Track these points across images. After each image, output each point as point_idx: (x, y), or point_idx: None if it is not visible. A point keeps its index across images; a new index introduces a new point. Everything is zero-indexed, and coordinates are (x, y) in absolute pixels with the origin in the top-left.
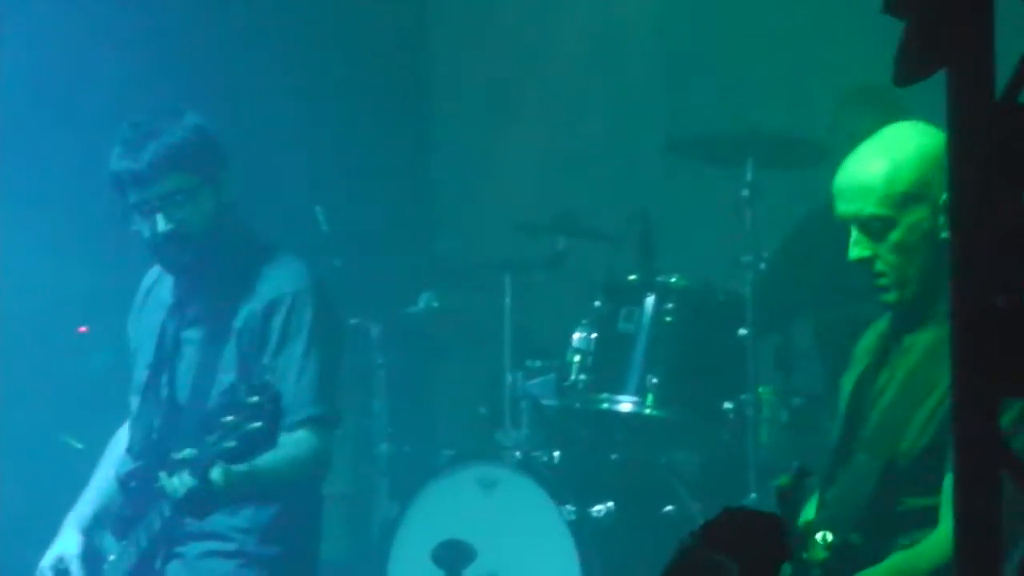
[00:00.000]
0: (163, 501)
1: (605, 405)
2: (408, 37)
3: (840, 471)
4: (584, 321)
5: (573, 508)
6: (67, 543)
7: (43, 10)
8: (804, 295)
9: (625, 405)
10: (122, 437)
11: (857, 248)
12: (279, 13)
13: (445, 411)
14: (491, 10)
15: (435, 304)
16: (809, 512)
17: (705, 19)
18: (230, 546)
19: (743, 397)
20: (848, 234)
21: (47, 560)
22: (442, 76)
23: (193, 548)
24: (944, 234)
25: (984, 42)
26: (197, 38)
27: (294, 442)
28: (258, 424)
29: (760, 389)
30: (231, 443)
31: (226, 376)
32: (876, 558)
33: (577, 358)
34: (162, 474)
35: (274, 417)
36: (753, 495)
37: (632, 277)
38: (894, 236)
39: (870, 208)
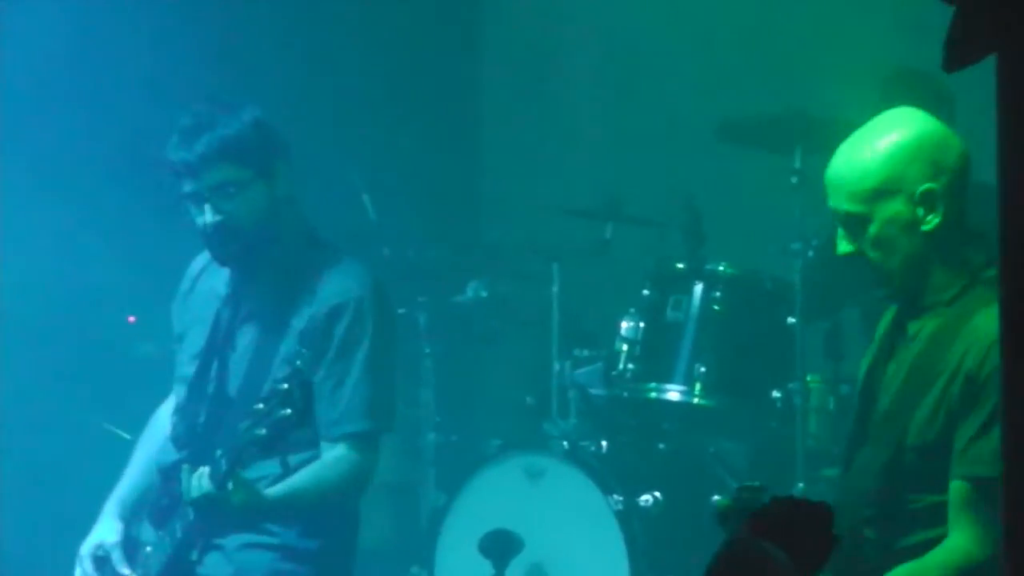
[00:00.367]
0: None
1: (653, 394)
2: (457, 25)
3: (855, 462)
4: (632, 309)
5: (620, 498)
6: (106, 530)
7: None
8: (853, 282)
9: (673, 394)
10: (160, 422)
11: (842, 243)
12: (328, 3)
13: (492, 400)
14: (541, 2)
15: (483, 293)
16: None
17: (752, 6)
18: (270, 539)
19: (791, 386)
20: None
21: (86, 547)
22: (491, 64)
23: (233, 540)
24: (926, 226)
25: None
26: (244, 27)
27: (334, 459)
28: (287, 411)
29: (808, 377)
30: (261, 431)
31: (280, 372)
32: (888, 554)
33: (625, 347)
34: (185, 467)
35: (304, 404)
36: (801, 484)
37: (680, 265)
38: (871, 231)
39: (844, 204)
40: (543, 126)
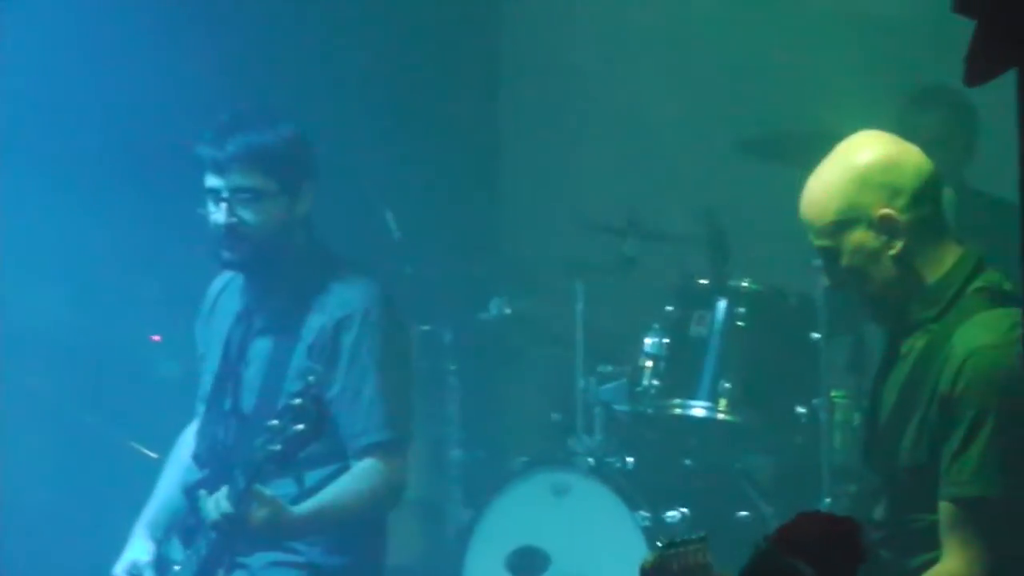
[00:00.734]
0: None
1: (678, 410)
2: (478, 43)
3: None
4: (656, 326)
5: (647, 514)
6: (138, 550)
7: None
8: None
9: (698, 410)
10: (187, 442)
11: (826, 277)
12: (346, 17)
13: (517, 417)
14: (562, 12)
15: (506, 310)
16: None
17: (773, 20)
18: (296, 557)
19: (816, 401)
20: None
21: (119, 567)
22: (512, 81)
23: (258, 558)
24: (892, 251)
25: None
26: (267, 43)
27: (363, 471)
28: (301, 426)
29: (833, 393)
30: (276, 447)
31: (293, 387)
32: (904, 574)
33: (649, 363)
34: (202, 492)
35: (318, 418)
36: (827, 500)
37: (704, 281)
38: (843, 262)
39: (815, 240)
40: (565, 142)
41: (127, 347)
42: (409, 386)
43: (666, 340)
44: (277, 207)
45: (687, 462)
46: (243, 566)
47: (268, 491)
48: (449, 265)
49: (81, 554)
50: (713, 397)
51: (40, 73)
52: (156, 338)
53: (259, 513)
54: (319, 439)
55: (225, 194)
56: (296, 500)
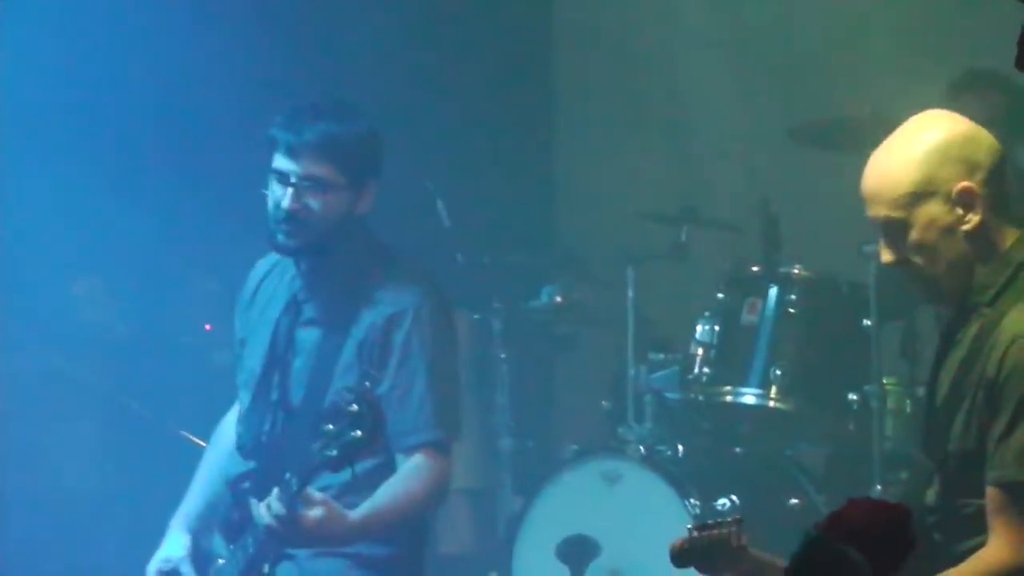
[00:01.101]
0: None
1: (729, 398)
2: (533, 31)
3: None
4: (707, 313)
5: (697, 502)
6: (174, 545)
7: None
8: None
9: (749, 398)
10: (224, 434)
11: (885, 253)
12: (403, 8)
13: (568, 405)
14: (616, 4)
15: (558, 298)
16: None
17: (824, 8)
18: (341, 546)
19: (867, 388)
20: None
21: (155, 562)
22: (566, 71)
23: (304, 549)
24: (966, 225)
25: None
26: (323, 34)
27: (413, 470)
28: (358, 433)
29: (884, 379)
30: (332, 452)
31: (342, 381)
32: (955, 558)
33: (700, 350)
34: (253, 502)
35: (374, 425)
36: (878, 487)
37: (755, 268)
38: (912, 237)
39: (883, 211)
40: (618, 131)
41: (180, 337)
42: (458, 385)
43: (717, 327)
44: (341, 200)
45: (738, 450)
46: (290, 557)
47: (320, 495)
48: (500, 253)
49: (129, 542)
50: (764, 384)
51: (94, 66)
52: (208, 327)
53: (312, 515)
54: (375, 444)
55: (293, 179)
56: (341, 492)
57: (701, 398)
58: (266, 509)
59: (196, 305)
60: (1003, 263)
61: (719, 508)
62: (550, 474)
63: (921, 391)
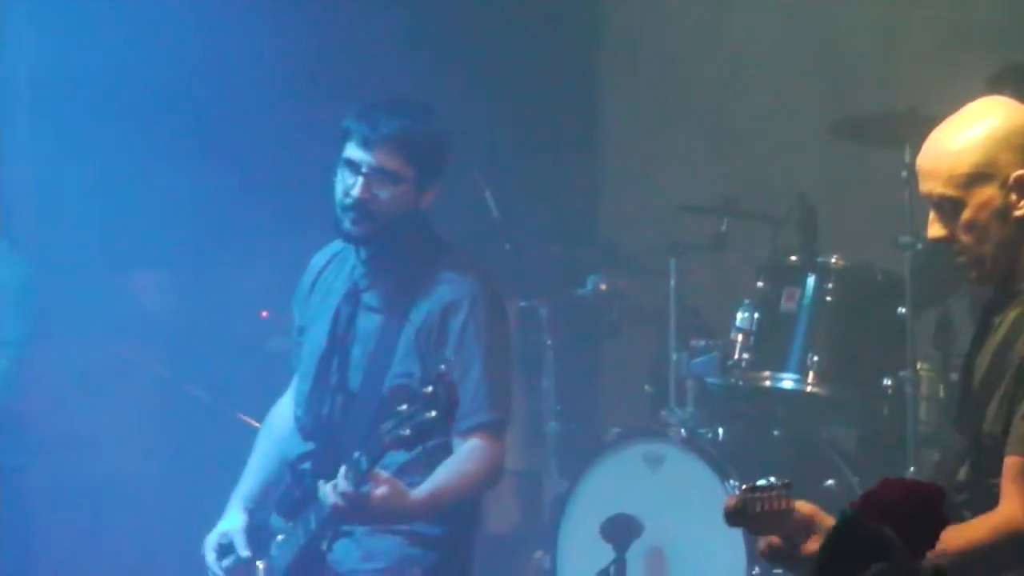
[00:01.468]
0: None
1: (767, 383)
2: (578, 27)
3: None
4: (747, 301)
5: (737, 483)
6: (231, 520)
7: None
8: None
9: (787, 383)
10: (279, 416)
11: (934, 228)
12: (452, 5)
13: (612, 390)
14: (658, 3)
15: (602, 286)
16: None
17: (865, 7)
18: (398, 524)
19: (902, 374)
20: None
21: (213, 535)
22: (609, 67)
23: (362, 527)
24: (1019, 211)
25: None
26: (368, 31)
27: (469, 452)
28: (432, 414)
29: (918, 365)
30: (405, 431)
31: (400, 367)
32: None
33: (740, 337)
34: (320, 482)
35: (449, 407)
36: (911, 469)
37: (793, 258)
38: (965, 216)
39: (939, 188)
40: (660, 125)
41: (236, 325)
42: (510, 370)
43: (757, 315)
44: (408, 194)
45: (776, 433)
46: (347, 534)
47: (386, 474)
48: (547, 243)
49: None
50: (802, 370)
51: (149, 60)
52: (264, 314)
53: (379, 493)
54: (447, 426)
55: (364, 168)
56: (398, 472)
57: (741, 383)
58: (332, 488)
59: (251, 294)
60: None
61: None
62: (594, 456)
63: (954, 376)
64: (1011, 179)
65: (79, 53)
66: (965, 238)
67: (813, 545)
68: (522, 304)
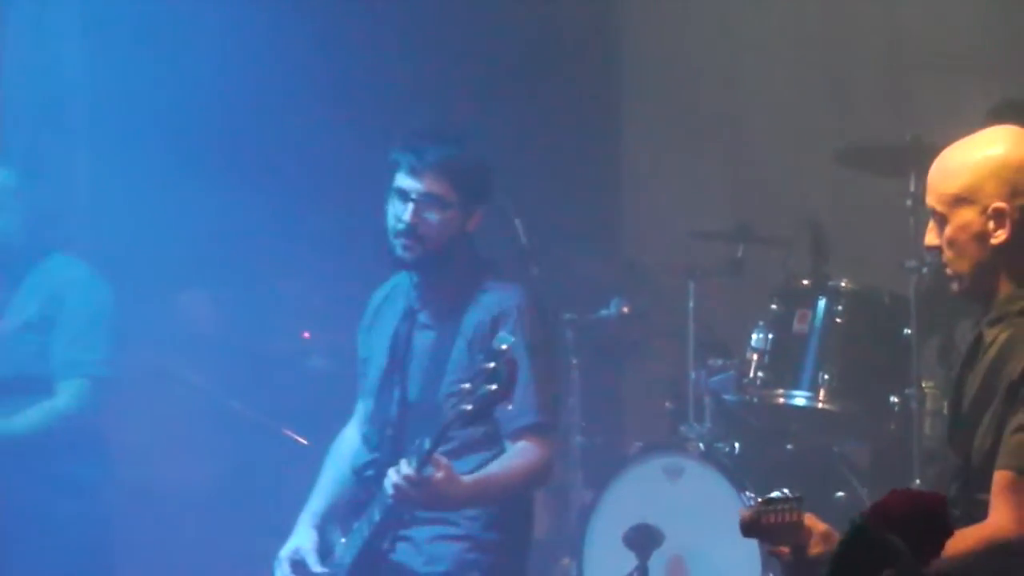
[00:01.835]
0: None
1: (781, 400)
2: (603, 64)
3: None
4: (761, 322)
5: (752, 494)
6: (302, 537)
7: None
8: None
9: (799, 400)
10: (347, 438)
11: (929, 236)
12: (469, 30)
13: (634, 406)
14: (679, 35)
15: (625, 308)
16: None
17: (868, 38)
18: (458, 531)
19: (908, 391)
20: None
21: (285, 552)
22: (632, 102)
23: (422, 532)
24: (995, 239)
25: None
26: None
27: (518, 450)
28: (493, 387)
29: (923, 384)
30: (467, 406)
31: (454, 376)
32: None
33: (755, 356)
34: (390, 470)
35: (508, 381)
36: (917, 481)
37: (805, 282)
38: (947, 232)
39: (931, 202)
40: (680, 157)
41: (279, 344)
42: (557, 376)
43: (771, 335)
44: (455, 218)
45: (789, 447)
46: (407, 538)
47: (444, 459)
48: (572, 267)
49: (234, 527)
50: (813, 388)
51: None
52: (306, 335)
53: (437, 476)
54: (507, 399)
55: (414, 195)
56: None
57: (756, 400)
58: (395, 472)
59: (294, 315)
60: None
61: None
62: (618, 469)
63: None
64: (990, 208)
65: (131, 78)
66: (947, 252)
67: (816, 549)
68: None
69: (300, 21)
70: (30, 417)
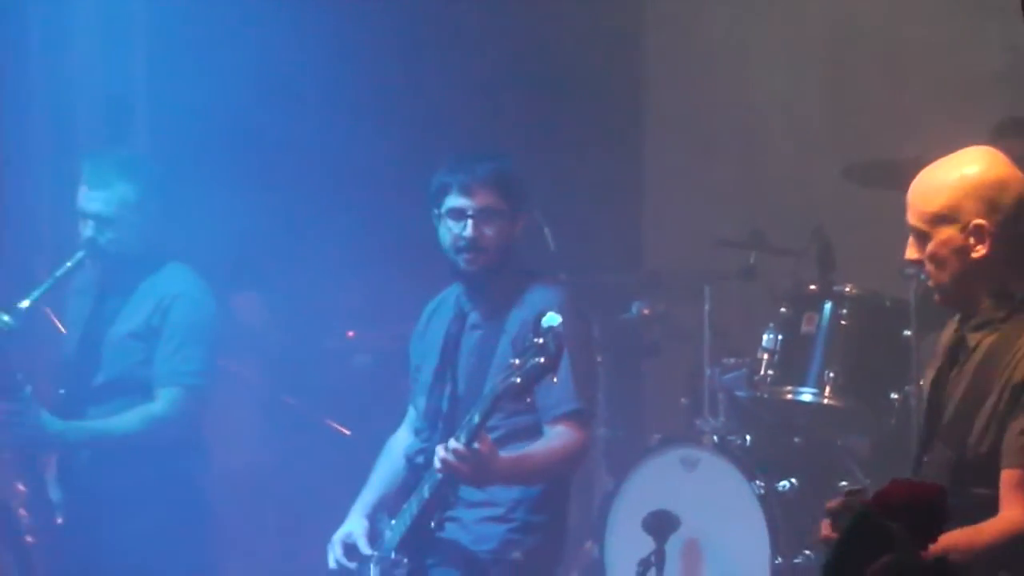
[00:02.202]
0: (433, 470)
1: (789, 396)
2: (626, 83)
3: (926, 457)
4: (771, 324)
5: (762, 484)
6: (354, 524)
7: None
8: None
9: (806, 396)
10: (399, 438)
11: (909, 251)
12: (500, 51)
13: (653, 401)
14: (697, 52)
15: (645, 311)
16: None
17: (875, 60)
18: (503, 513)
19: (907, 389)
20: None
21: (338, 536)
22: (652, 118)
23: (470, 514)
24: (975, 254)
25: None
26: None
27: (555, 434)
28: (541, 360)
29: (922, 382)
30: (516, 379)
31: (497, 371)
32: None
33: (765, 356)
34: (439, 447)
35: (556, 352)
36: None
37: (812, 287)
38: (930, 247)
39: (913, 220)
40: (697, 170)
41: (326, 342)
42: (595, 368)
43: (780, 336)
44: (506, 226)
45: (797, 440)
46: (455, 519)
47: (487, 435)
48: (597, 273)
49: (284, 513)
50: (820, 385)
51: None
52: (351, 334)
53: (482, 446)
54: (554, 371)
55: (470, 212)
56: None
57: (766, 396)
58: (444, 448)
59: (340, 315)
60: (1006, 296)
61: (780, 489)
62: (638, 459)
63: None
64: (970, 225)
65: (185, 85)
66: (929, 266)
67: None
68: None
69: (345, 35)
70: (129, 419)
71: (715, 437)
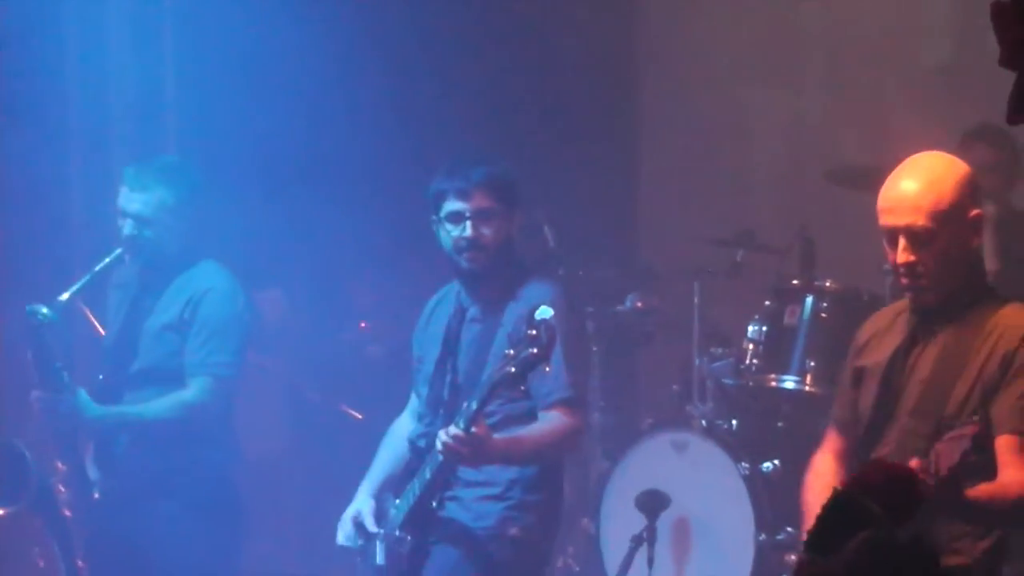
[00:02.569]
0: (435, 453)
1: (773, 383)
2: (623, 88)
3: (888, 433)
4: (757, 317)
5: (747, 465)
6: (362, 502)
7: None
8: None
9: (789, 383)
10: (402, 422)
11: (905, 254)
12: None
13: (646, 388)
14: (691, 55)
15: (639, 304)
16: None
17: (853, 76)
18: (501, 492)
19: None
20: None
21: (347, 514)
22: (648, 123)
23: (469, 493)
24: (976, 244)
25: None
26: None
27: (548, 419)
28: (534, 350)
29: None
30: (511, 369)
31: (494, 362)
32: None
33: (751, 346)
34: (440, 432)
35: (548, 342)
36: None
37: (795, 282)
38: (939, 244)
39: (921, 221)
40: (689, 172)
41: (341, 333)
42: (587, 358)
43: (765, 328)
44: (503, 225)
45: (780, 424)
46: (456, 498)
47: (484, 420)
48: (593, 268)
49: (303, 493)
50: (801, 373)
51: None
52: (364, 325)
53: (479, 432)
54: (547, 362)
55: (468, 214)
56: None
57: (751, 383)
58: (445, 433)
59: (354, 307)
60: (977, 278)
61: (764, 470)
62: (631, 442)
63: None
64: (971, 217)
65: (215, 98)
66: (932, 264)
67: None
68: None
69: (368, 44)
70: (161, 405)
71: (703, 422)
